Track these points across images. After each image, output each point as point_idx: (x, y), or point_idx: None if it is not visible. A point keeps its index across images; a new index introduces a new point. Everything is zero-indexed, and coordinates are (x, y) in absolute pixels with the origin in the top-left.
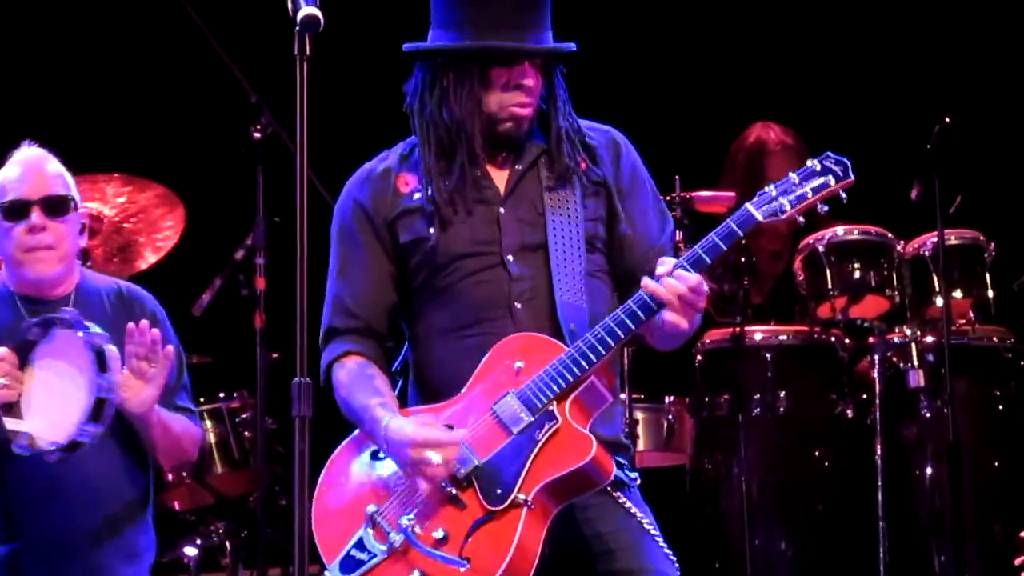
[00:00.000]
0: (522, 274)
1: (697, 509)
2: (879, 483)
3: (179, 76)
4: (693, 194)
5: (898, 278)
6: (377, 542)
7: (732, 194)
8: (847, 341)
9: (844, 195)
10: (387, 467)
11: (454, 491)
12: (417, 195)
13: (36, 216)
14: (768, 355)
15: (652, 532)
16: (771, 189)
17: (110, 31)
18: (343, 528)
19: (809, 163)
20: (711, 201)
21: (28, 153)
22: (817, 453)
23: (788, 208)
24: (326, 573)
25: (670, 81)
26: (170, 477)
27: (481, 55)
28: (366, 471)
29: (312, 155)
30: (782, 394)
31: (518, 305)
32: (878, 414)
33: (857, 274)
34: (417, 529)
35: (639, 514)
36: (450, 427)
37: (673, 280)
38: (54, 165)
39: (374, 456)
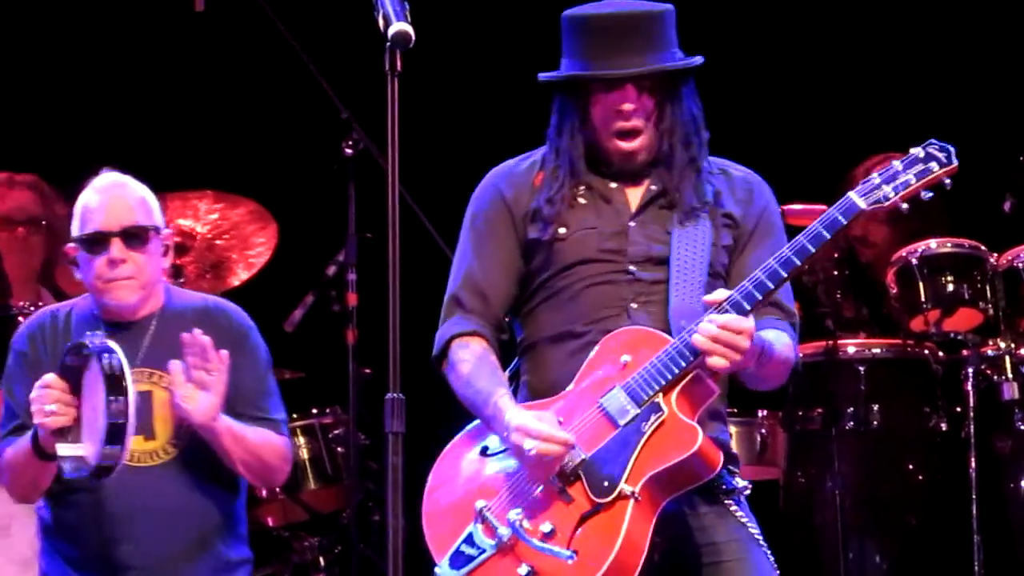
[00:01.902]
0: (643, 279)
1: (790, 523)
2: (973, 496)
3: (270, 93)
4: (785, 207)
5: (991, 291)
6: (486, 537)
7: (824, 207)
8: (940, 354)
9: (948, 182)
10: (496, 463)
11: (561, 485)
12: None
13: (116, 249)
14: (861, 368)
15: (761, 543)
16: (875, 177)
17: (202, 50)
18: (453, 524)
19: (912, 151)
20: (803, 214)
21: (108, 180)
22: (911, 466)
23: (892, 195)
24: (436, 570)
25: (760, 93)
26: (264, 493)
27: (584, 84)
28: (475, 467)
29: (403, 171)
30: (875, 408)
31: (634, 306)
32: (972, 427)
33: (950, 287)
34: (525, 523)
35: (749, 524)
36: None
37: (707, 324)
38: (134, 192)
39: (483, 452)
